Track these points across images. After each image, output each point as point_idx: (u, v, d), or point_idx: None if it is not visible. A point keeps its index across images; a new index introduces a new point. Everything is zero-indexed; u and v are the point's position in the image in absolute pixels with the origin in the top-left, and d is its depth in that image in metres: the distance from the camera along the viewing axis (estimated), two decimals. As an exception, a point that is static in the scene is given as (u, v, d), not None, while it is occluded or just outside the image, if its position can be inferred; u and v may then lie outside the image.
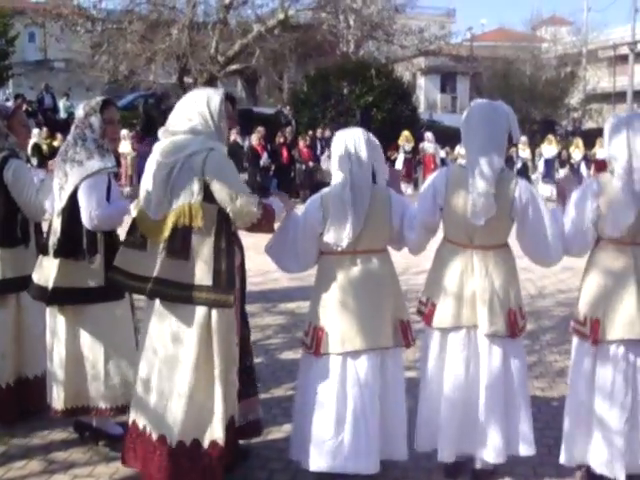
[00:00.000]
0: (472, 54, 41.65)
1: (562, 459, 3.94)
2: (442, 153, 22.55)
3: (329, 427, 3.79)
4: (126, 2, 22.92)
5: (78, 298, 4.15)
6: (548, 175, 19.47)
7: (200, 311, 3.58)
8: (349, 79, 24.59)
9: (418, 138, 21.91)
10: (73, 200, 4.06)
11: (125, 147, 18.63)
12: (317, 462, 3.81)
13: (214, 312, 3.59)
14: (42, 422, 4.59)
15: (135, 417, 3.78)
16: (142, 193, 3.71)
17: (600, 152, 18.55)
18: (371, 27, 26.59)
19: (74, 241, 4.09)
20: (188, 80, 23.77)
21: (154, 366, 3.70)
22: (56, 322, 4.21)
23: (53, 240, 4.15)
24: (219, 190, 3.56)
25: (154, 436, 3.67)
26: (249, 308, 4.26)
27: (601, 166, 14.76)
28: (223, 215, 3.61)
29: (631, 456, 3.78)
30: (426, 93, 45.47)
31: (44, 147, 18.08)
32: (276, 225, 3.92)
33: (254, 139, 18.14)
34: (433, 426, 3.93)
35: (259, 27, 23.35)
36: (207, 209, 3.57)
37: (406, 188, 19.94)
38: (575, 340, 3.96)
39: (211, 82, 21.72)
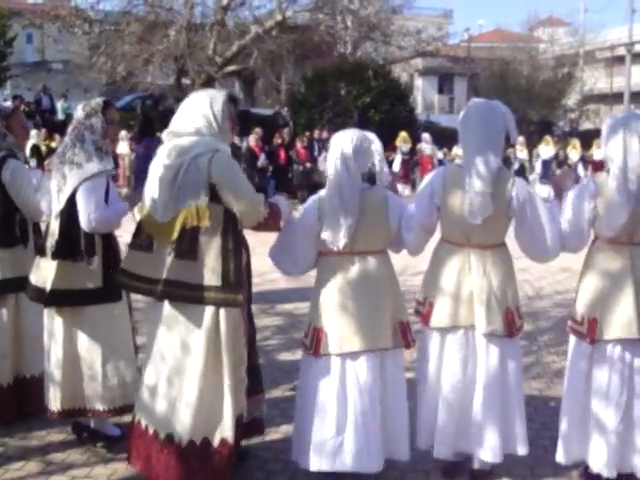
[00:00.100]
0: (469, 55, 41.70)
1: (558, 458, 3.95)
2: (439, 154, 22.54)
3: (329, 427, 3.79)
4: (123, 3, 22.95)
5: (76, 300, 4.15)
6: (545, 176, 19.45)
7: (208, 311, 3.61)
8: (346, 80, 24.58)
9: (415, 139, 21.92)
10: (71, 202, 4.06)
11: (123, 148, 18.63)
12: (318, 462, 3.81)
13: (222, 311, 3.62)
14: (40, 423, 4.59)
15: (141, 417, 3.80)
16: (147, 196, 3.72)
17: (597, 153, 18.61)
18: (368, 28, 26.62)
19: (72, 243, 4.09)
20: (186, 81, 23.80)
21: (162, 366, 3.71)
22: (53, 323, 4.21)
23: (51, 242, 4.15)
24: (225, 191, 3.59)
25: (161, 435, 3.69)
26: (247, 309, 4.26)
27: (598, 167, 14.79)
28: (230, 215, 3.64)
29: (624, 456, 3.80)
30: (423, 94, 45.47)
31: (43, 148, 18.09)
32: (282, 224, 3.95)
33: (252, 140, 18.13)
34: (432, 425, 3.94)
35: (257, 28, 23.36)
36: (214, 210, 3.60)
37: (403, 189, 19.92)
38: (572, 340, 3.97)
39: (209, 83, 21.73)
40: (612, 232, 3.75)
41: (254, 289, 4.10)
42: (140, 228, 3.79)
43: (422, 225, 3.93)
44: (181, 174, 3.58)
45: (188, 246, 3.58)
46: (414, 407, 4.07)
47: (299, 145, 19.89)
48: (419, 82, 45.65)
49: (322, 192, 3.93)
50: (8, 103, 19.96)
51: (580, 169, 19.54)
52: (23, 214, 4.57)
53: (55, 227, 4.16)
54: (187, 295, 3.62)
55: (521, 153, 20.47)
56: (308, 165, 19.33)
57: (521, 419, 3.94)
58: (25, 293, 4.37)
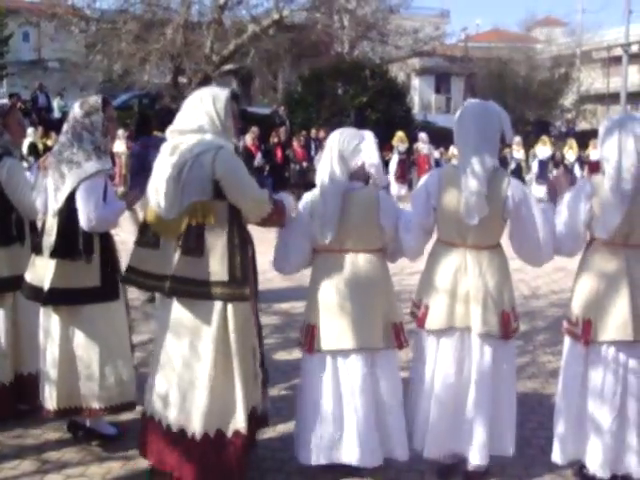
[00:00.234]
0: (467, 55, 41.68)
1: (555, 458, 3.96)
2: (436, 154, 22.53)
3: (326, 422, 3.86)
4: (120, 2, 22.87)
5: (75, 298, 4.16)
6: (542, 176, 19.45)
7: (217, 306, 3.66)
8: (343, 79, 24.62)
9: (412, 139, 21.89)
10: (70, 201, 4.06)
11: (119, 147, 18.62)
12: (315, 456, 3.89)
13: (230, 306, 3.67)
14: (35, 422, 4.59)
15: (153, 411, 3.83)
16: (151, 193, 3.74)
17: (594, 153, 18.62)
18: (365, 27, 26.59)
19: (71, 242, 4.09)
20: (182, 80, 23.75)
21: (173, 362, 3.75)
22: (50, 322, 4.21)
23: (49, 241, 4.14)
24: (230, 187, 3.63)
25: (175, 429, 3.74)
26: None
27: (595, 167, 14.83)
28: (235, 211, 3.69)
29: (619, 455, 3.81)
30: (420, 94, 45.46)
31: (40, 146, 18.06)
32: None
33: (248, 139, 18.11)
34: (427, 426, 3.95)
35: (254, 27, 23.32)
36: (219, 206, 3.65)
37: (400, 189, 19.95)
38: (567, 341, 3.97)
39: (205, 82, 21.68)
40: (607, 234, 3.75)
41: (252, 288, 4.10)
42: (146, 226, 3.81)
43: (420, 226, 3.93)
44: (185, 171, 3.61)
45: (194, 243, 3.63)
46: (411, 408, 4.07)
47: (296, 144, 19.87)
48: (416, 82, 45.62)
49: (314, 190, 3.97)
50: (5, 101, 19.93)
51: (577, 169, 19.55)
52: (19, 212, 4.56)
53: (52, 226, 4.15)
54: (195, 291, 3.66)
55: (518, 153, 20.46)
56: (305, 164, 19.30)
57: (511, 422, 3.95)
58: (21, 292, 4.37)
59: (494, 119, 3.82)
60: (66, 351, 4.19)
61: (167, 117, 7.00)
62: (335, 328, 3.83)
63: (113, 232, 4.36)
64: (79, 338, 4.20)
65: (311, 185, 3.98)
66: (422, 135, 21.97)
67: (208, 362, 3.66)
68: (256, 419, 3.89)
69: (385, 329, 3.88)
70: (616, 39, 39.17)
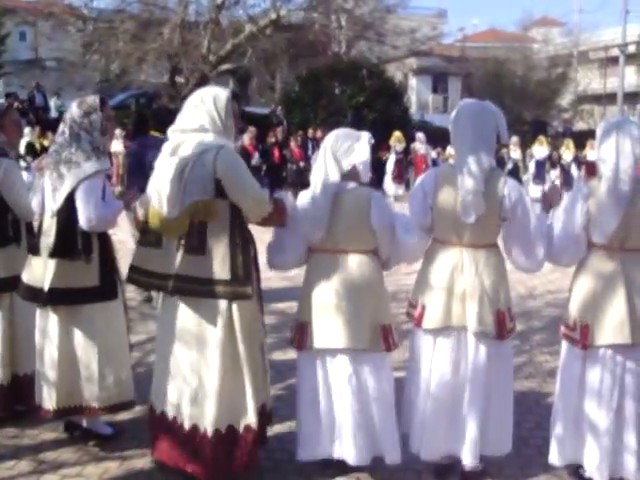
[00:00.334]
0: (464, 55, 41.72)
1: (552, 460, 3.96)
2: (433, 154, 22.54)
3: (318, 419, 3.91)
4: (117, 1, 22.93)
5: (75, 298, 4.16)
6: (539, 176, 19.47)
7: (222, 305, 3.70)
8: (341, 79, 24.61)
9: (409, 138, 21.91)
10: (69, 201, 4.06)
11: (117, 146, 18.60)
12: (309, 452, 3.96)
13: (235, 304, 3.70)
14: (32, 422, 4.57)
15: (164, 408, 3.86)
16: (153, 192, 3.75)
17: (591, 154, 18.62)
18: (363, 27, 26.64)
19: (70, 242, 4.09)
20: (179, 80, 23.76)
21: (181, 361, 3.79)
22: (48, 322, 4.20)
23: (47, 241, 4.14)
24: (231, 186, 3.65)
25: (187, 426, 3.79)
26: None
27: (591, 167, 14.82)
28: (236, 210, 3.72)
29: (617, 457, 3.80)
30: (417, 93, 45.46)
31: (37, 146, 18.04)
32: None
33: (246, 139, 18.08)
34: (424, 428, 3.94)
35: (251, 27, 23.34)
36: (220, 205, 3.67)
37: (397, 189, 19.95)
38: (564, 344, 3.97)
39: (202, 82, 21.68)
40: (604, 238, 3.75)
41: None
42: (147, 225, 3.82)
43: (419, 225, 3.94)
44: (187, 170, 3.63)
45: (197, 241, 3.67)
46: (407, 409, 4.07)
47: (293, 144, 19.88)
48: (413, 81, 45.62)
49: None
50: (1, 101, 19.92)
51: (574, 169, 19.57)
52: (15, 213, 4.56)
53: (51, 226, 4.15)
54: (198, 290, 3.70)
55: (514, 153, 20.46)
56: (302, 164, 19.32)
57: (508, 422, 3.96)
58: (17, 292, 4.37)
59: (490, 119, 3.82)
60: (65, 351, 4.18)
61: (164, 117, 7.01)
62: (324, 327, 3.85)
63: (111, 232, 4.36)
64: (78, 338, 4.20)
65: (308, 185, 3.99)
66: (419, 135, 21.98)
67: (216, 361, 3.70)
68: (266, 415, 3.96)
69: (373, 331, 3.86)
70: (613, 39, 39.22)
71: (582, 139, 22.11)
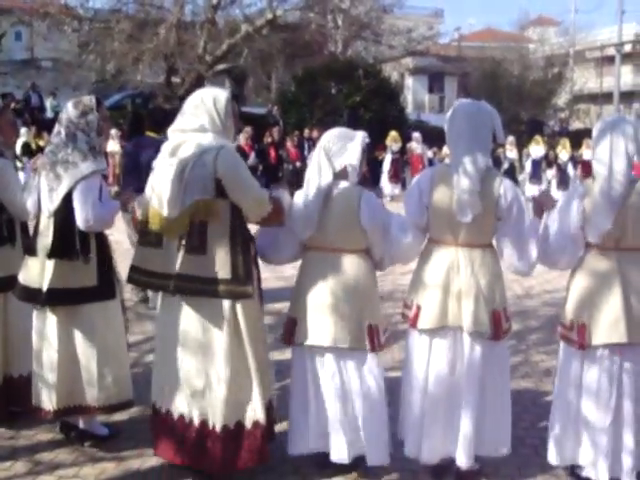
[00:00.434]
0: (460, 54, 41.76)
1: (550, 459, 3.96)
2: (429, 153, 22.55)
3: (304, 413, 3.97)
4: (113, 1, 22.89)
5: (73, 298, 4.16)
6: (535, 176, 19.48)
7: (226, 303, 3.71)
8: (337, 79, 24.60)
9: (406, 138, 21.91)
10: (67, 202, 4.05)
11: (113, 146, 18.57)
12: (294, 446, 4.04)
13: (238, 304, 3.73)
14: (28, 423, 4.57)
15: (170, 407, 3.88)
16: (153, 192, 3.75)
17: (587, 153, 18.63)
18: (359, 27, 26.68)
19: (68, 242, 4.09)
20: (175, 80, 23.76)
21: (186, 359, 3.81)
22: (46, 323, 4.20)
23: (44, 242, 4.13)
24: (231, 186, 3.68)
25: (196, 422, 3.81)
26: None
27: (587, 167, 14.82)
28: (237, 210, 3.74)
29: (615, 456, 3.80)
30: (414, 93, 45.50)
31: (33, 146, 18.02)
32: None
33: (242, 139, 18.06)
34: (420, 432, 3.93)
35: (247, 27, 23.32)
36: (221, 204, 3.70)
37: (393, 189, 19.96)
38: (562, 344, 3.96)
39: (198, 82, 21.68)
40: (599, 238, 3.75)
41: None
42: (147, 225, 3.82)
43: (415, 225, 3.94)
44: (187, 170, 3.64)
45: (198, 241, 3.69)
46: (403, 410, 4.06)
47: (289, 144, 19.88)
48: (409, 81, 45.65)
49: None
50: (-3, 100, 19.90)
51: (570, 169, 19.58)
52: (10, 213, 4.55)
53: (48, 226, 4.14)
54: (200, 289, 3.71)
55: (511, 153, 20.46)
56: (298, 164, 19.28)
57: (505, 423, 3.95)
58: (13, 293, 4.36)
59: (486, 118, 3.83)
60: (64, 351, 4.18)
61: (160, 117, 7.00)
62: (311, 324, 3.89)
63: (107, 232, 4.35)
64: (77, 338, 4.20)
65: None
66: (415, 135, 21.99)
67: (223, 359, 3.73)
68: (273, 411, 4.01)
69: (359, 330, 3.86)
70: (609, 39, 39.31)
71: (578, 138, 22.13)
